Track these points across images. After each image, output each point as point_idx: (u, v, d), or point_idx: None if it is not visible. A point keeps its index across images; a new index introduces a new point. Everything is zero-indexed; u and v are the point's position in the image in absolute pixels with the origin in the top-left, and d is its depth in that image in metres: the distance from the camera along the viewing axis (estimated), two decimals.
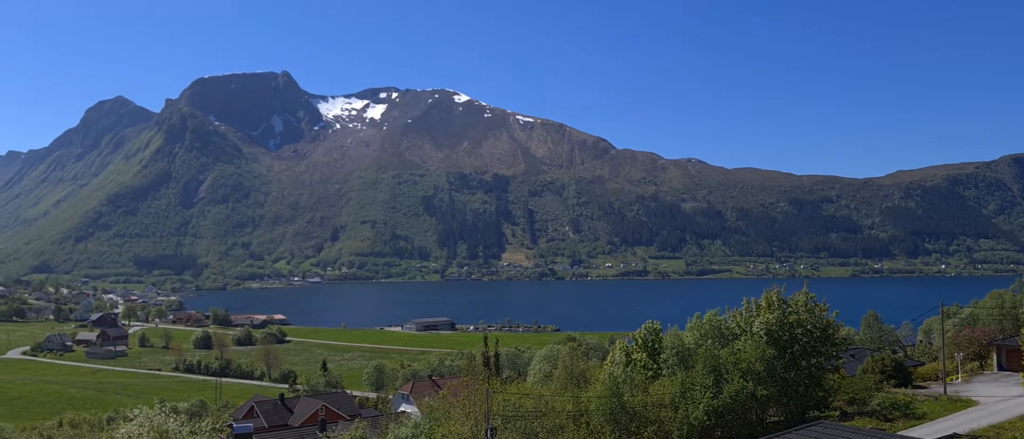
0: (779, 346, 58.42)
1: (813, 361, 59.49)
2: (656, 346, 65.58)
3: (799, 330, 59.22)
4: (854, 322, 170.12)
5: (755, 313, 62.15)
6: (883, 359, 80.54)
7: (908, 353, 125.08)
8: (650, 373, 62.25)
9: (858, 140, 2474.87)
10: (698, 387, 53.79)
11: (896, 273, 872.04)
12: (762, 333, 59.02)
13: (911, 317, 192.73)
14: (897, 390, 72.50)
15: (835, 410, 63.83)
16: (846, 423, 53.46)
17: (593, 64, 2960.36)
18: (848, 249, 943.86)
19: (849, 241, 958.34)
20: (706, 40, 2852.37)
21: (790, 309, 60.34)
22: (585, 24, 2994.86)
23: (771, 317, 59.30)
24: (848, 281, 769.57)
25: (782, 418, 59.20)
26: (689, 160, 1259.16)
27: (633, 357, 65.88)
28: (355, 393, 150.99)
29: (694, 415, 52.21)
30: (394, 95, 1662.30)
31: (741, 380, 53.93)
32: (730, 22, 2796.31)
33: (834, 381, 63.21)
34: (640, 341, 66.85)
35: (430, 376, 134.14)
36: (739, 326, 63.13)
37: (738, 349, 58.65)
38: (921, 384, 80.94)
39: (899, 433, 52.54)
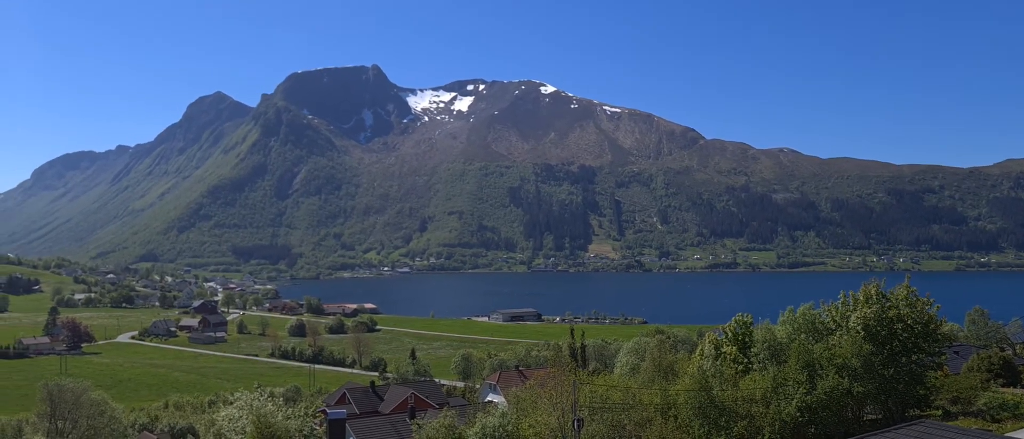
0: (877, 342, 56.41)
1: (914, 358, 57.26)
2: (747, 340, 64.17)
3: (899, 325, 57.01)
4: (958, 318, 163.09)
5: (852, 307, 60.18)
6: (990, 357, 76.94)
7: (1017, 351, 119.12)
8: (740, 367, 60.98)
9: (963, 128, 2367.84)
10: (791, 382, 52.41)
11: (1004, 267, 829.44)
12: (859, 328, 57.08)
13: (1021, 313, 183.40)
14: (1005, 389, 69.17)
15: (937, 409, 61.37)
16: (950, 423, 51.19)
17: (681, 54, 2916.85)
18: (952, 242, 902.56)
19: (953, 233, 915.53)
20: (797, 29, 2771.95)
21: (889, 303, 58.15)
22: (673, 14, 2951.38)
23: (869, 311, 57.25)
24: (952, 275, 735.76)
25: (880, 416, 57.23)
26: (781, 150, 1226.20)
27: (723, 350, 64.64)
28: (443, 382, 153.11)
29: (786, 411, 50.90)
30: (481, 87, 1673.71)
31: (836, 376, 52.33)
32: (823, 9, 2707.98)
33: (936, 379, 60.72)
34: (730, 334, 65.53)
35: (517, 366, 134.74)
36: (834, 321, 61.27)
37: (833, 344, 56.95)
38: None
39: (1007, 435, 50.06)
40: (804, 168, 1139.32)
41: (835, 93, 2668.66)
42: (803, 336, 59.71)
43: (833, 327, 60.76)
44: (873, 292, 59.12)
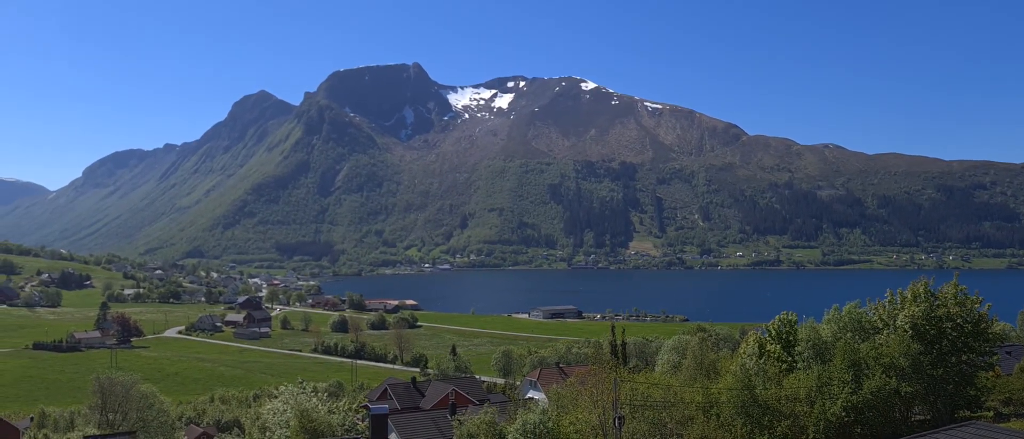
0: (925, 341, 55.30)
1: (963, 357, 56.01)
2: (791, 338, 63.29)
3: (948, 324, 55.81)
4: (1011, 317, 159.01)
5: (899, 306, 59.04)
6: None
7: None
8: (784, 366, 60.16)
9: (1016, 123, 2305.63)
10: (836, 382, 51.61)
11: None
12: (907, 327, 55.99)
13: None
14: None
15: (989, 410, 60.00)
16: (1001, 425, 49.93)
17: (723, 50, 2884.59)
18: (1003, 239, 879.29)
19: (1005, 230, 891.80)
20: (843, 23, 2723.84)
21: (938, 302, 56.93)
22: (715, 9, 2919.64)
23: (917, 310, 56.14)
24: (1004, 273, 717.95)
25: (929, 417, 56.09)
26: (826, 146, 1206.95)
27: (766, 349, 63.82)
28: (483, 379, 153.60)
29: (832, 411, 50.13)
30: (521, 84, 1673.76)
31: (883, 376, 51.41)
32: (870, 3, 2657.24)
33: (988, 379, 59.29)
34: (773, 333, 64.66)
35: (557, 363, 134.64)
36: (881, 319, 60.15)
37: (880, 343, 55.94)
38: None
39: None
40: (850, 164, 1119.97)
41: (882, 88, 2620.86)
42: (849, 335, 58.73)
43: (880, 326, 59.68)
44: (921, 290, 57.94)
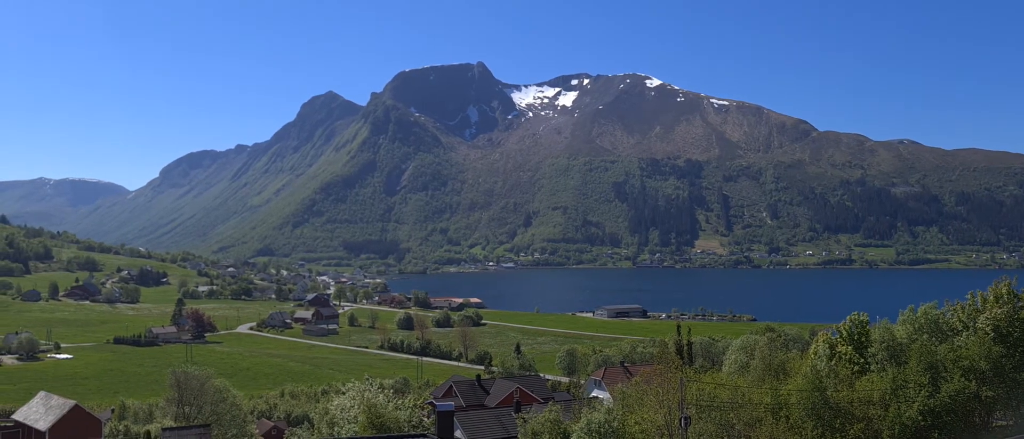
0: (1008, 344, 53.25)
1: None
2: (863, 340, 61.67)
3: None
4: None
5: (980, 308, 56.98)
6: None
7: None
8: (856, 368, 58.69)
9: None
10: (912, 385, 50.08)
11: None
12: (988, 329, 53.99)
13: None
14: None
15: None
16: None
17: (792, 45, 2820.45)
18: None
19: None
20: (916, 19, 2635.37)
21: (1022, 303, 54.75)
22: (781, 5, 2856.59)
23: (999, 312, 54.12)
24: None
25: (1011, 423, 53.99)
26: (901, 142, 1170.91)
27: (838, 350, 62.32)
28: (548, 377, 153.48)
29: (907, 415, 48.63)
30: (586, 81, 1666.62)
31: (962, 379, 49.64)
32: (943, 4, 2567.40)
33: None
34: (845, 334, 63.12)
35: (622, 363, 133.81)
36: (961, 321, 58.18)
37: (958, 346, 54.07)
38: None
39: None
40: (926, 160, 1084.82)
41: (960, 83, 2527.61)
42: (925, 336, 56.94)
43: (959, 328, 57.71)
44: (1004, 291, 55.85)
